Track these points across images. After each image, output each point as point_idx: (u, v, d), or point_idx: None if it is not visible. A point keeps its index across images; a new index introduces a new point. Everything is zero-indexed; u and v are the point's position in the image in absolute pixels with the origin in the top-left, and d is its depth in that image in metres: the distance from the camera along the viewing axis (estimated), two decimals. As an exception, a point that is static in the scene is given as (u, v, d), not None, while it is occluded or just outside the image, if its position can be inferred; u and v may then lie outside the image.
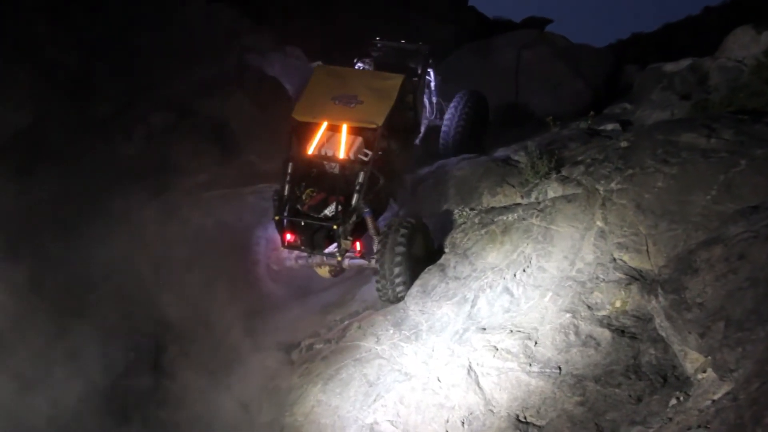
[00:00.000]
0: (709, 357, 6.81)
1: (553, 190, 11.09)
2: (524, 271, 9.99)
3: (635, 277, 9.16)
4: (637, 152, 10.66)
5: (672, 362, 7.90)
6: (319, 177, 12.52)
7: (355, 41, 23.97)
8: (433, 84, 15.56)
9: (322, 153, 12.38)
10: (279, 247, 12.44)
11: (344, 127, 12.40)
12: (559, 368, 8.55)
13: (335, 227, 11.77)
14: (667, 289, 7.57)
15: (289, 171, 12.21)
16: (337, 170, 12.42)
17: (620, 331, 8.60)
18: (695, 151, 10.10)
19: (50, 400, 11.13)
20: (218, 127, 15.53)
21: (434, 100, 15.64)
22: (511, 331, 9.21)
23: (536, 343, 8.91)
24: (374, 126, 12.40)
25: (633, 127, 13.79)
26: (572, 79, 27.73)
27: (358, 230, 12.27)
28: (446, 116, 15.23)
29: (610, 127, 14.08)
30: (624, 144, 11.12)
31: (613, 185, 10.30)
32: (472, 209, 11.98)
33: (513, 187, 11.91)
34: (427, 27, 21.35)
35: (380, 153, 12.67)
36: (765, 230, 7.25)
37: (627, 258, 9.41)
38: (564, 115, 20.44)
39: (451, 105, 15.31)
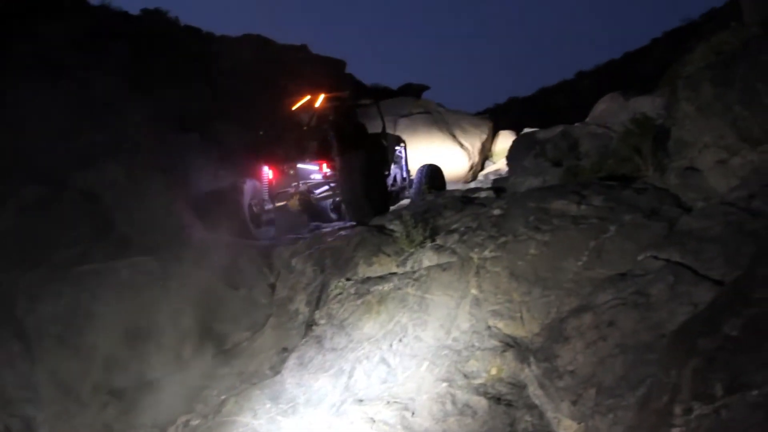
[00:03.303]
0: (582, 424, 6.87)
1: (429, 258, 11.14)
2: (401, 341, 9.96)
3: (510, 344, 9.18)
4: (510, 220, 10.79)
5: (547, 429, 7.89)
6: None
7: (236, 108, 23.90)
8: (403, 160, 19.93)
9: (303, 106, 17.92)
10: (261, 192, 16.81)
11: (321, 96, 18.00)
12: (437, 438, 8.51)
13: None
14: (539, 357, 7.65)
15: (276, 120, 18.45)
16: (314, 121, 17.97)
17: (496, 399, 8.59)
18: (566, 218, 10.26)
19: None
20: (91, 199, 15.22)
21: (405, 175, 19.67)
22: (389, 402, 9.13)
23: (413, 413, 8.85)
24: (344, 94, 18.87)
25: (506, 194, 13.97)
26: (448, 145, 28.12)
27: (323, 148, 16.91)
28: (413, 185, 18.97)
29: (484, 194, 14.26)
30: (497, 212, 11.26)
31: (486, 253, 10.40)
32: (348, 279, 11.95)
33: (389, 256, 11.93)
34: (304, 93, 21.42)
35: (347, 124, 17.58)
36: (632, 297, 7.40)
37: (502, 325, 9.44)
38: (438, 182, 20.75)
39: (416, 176, 19.18)
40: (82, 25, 23.08)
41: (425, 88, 37.48)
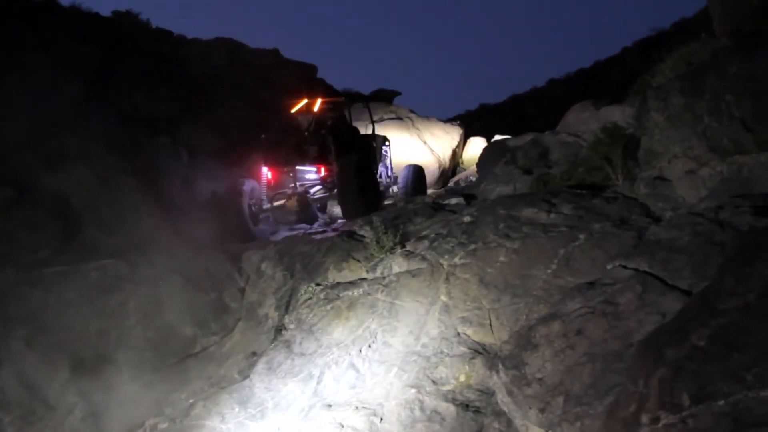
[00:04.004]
0: (549, 431, 6.88)
1: (398, 265, 11.13)
2: (370, 346, 9.95)
3: (479, 351, 9.18)
4: (480, 227, 10.81)
5: (515, 436, 7.94)
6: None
7: (207, 111, 23.81)
8: (388, 160, 21.57)
9: (301, 110, 19.13)
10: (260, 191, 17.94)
11: (319, 100, 19.29)
12: (405, 445, 8.50)
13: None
14: (507, 365, 7.65)
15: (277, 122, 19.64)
16: (313, 126, 18.72)
17: (465, 406, 8.58)
18: (536, 226, 10.30)
19: None
20: (61, 202, 15.16)
21: (390, 173, 21.18)
22: (357, 407, 9.11)
23: (382, 419, 8.83)
24: (341, 99, 20.32)
25: (476, 201, 13.98)
26: (419, 151, 28.10)
27: (322, 153, 18.20)
28: (400, 181, 20.84)
29: (454, 201, 14.26)
30: (467, 219, 11.28)
31: (456, 260, 10.40)
32: (318, 284, 11.92)
33: (359, 262, 11.93)
34: (277, 99, 21.39)
35: (343, 128, 19.06)
36: (601, 306, 7.42)
37: (471, 332, 9.44)
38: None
39: (402, 174, 21.00)
40: (52, 25, 22.95)
41: (397, 93, 37.40)
